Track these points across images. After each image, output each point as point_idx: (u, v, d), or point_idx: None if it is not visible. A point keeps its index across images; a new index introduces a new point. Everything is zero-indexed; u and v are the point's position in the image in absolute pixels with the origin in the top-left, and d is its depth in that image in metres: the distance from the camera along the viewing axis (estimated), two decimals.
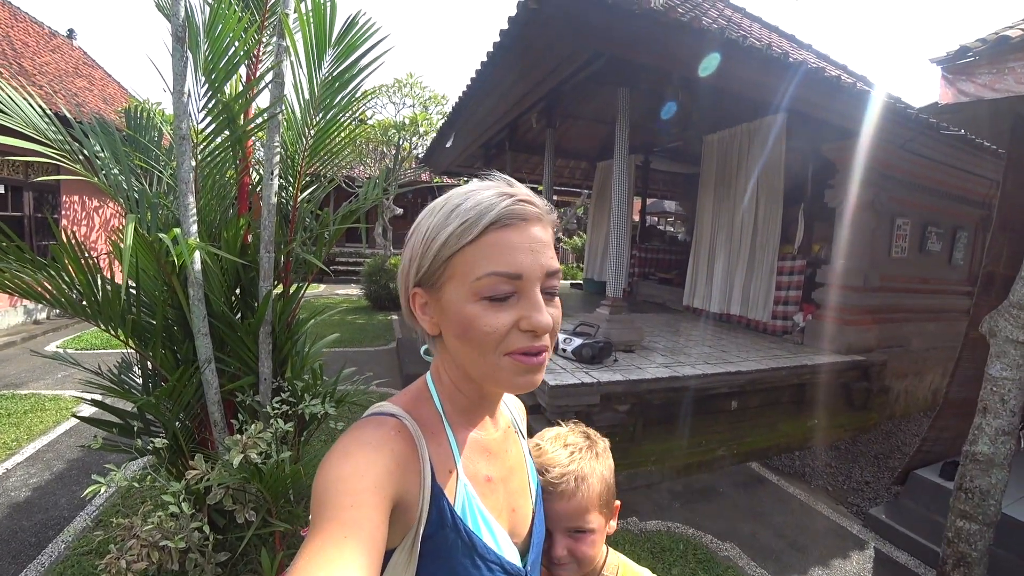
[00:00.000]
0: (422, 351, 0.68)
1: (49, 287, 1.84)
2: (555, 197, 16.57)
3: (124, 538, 1.75)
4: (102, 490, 1.58)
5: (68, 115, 2.28)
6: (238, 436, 1.82)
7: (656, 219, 18.72)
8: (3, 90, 1.74)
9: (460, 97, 5.60)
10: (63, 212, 8.31)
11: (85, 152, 1.84)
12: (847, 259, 4.99)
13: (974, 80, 2.71)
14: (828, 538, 3.07)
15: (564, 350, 3.82)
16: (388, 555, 0.54)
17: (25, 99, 1.81)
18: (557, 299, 0.60)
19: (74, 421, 4.00)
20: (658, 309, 7.61)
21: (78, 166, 1.80)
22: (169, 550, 1.77)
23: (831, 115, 4.42)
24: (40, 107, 1.86)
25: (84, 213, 8.87)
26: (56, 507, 2.83)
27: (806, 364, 4.31)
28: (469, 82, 5.08)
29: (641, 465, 3.38)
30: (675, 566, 2.61)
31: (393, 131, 10.87)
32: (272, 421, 1.97)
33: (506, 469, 0.70)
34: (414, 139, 11.14)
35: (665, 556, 2.70)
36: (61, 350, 6.10)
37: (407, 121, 11.00)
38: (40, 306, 7.77)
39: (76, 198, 8.62)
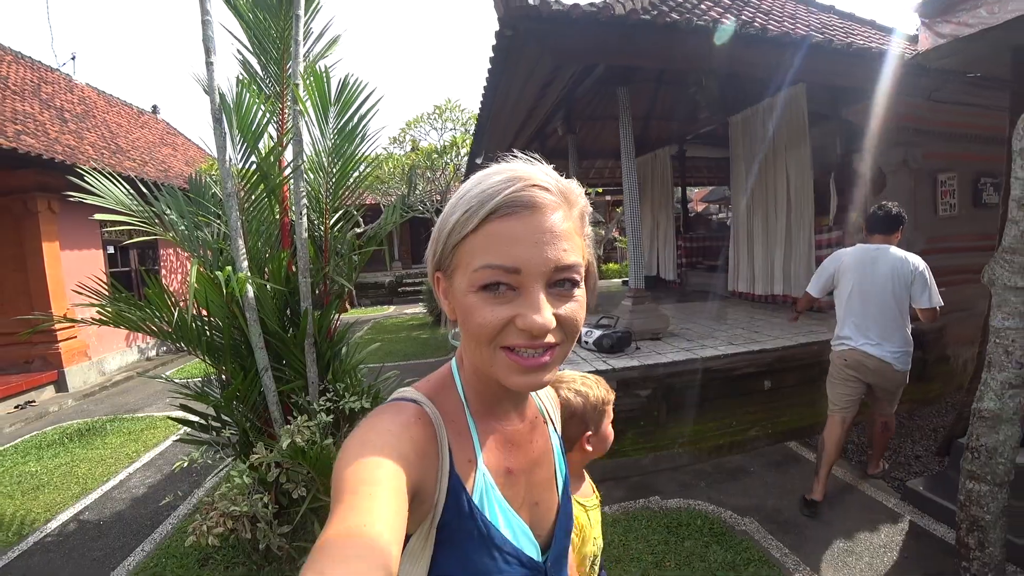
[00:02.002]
0: (450, 336, 0.79)
1: (149, 323, 2.40)
2: (608, 198, 16.65)
3: (207, 511, 2.25)
4: (186, 464, 2.06)
5: (152, 182, 2.88)
6: (288, 426, 2.27)
7: (718, 206, 18.25)
8: (99, 180, 2.30)
9: (477, 117, 6.01)
10: (162, 264, 9.59)
11: (158, 214, 2.39)
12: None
13: (950, 21, 2.68)
14: (859, 511, 2.98)
15: (586, 342, 4.06)
16: (406, 540, 0.54)
17: (113, 182, 2.38)
18: (577, 293, 0.55)
19: (179, 435, 4.76)
20: (706, 297, 7.57)
21: (156, 227, 2.34)
22: (242, 520, 2.25)
23: (847, 80, 4.38)
24: (125, 187, 2.43)
25: (179, 263, 10.15)
26: (164, 499, 3.47)
27: None
28: (480, 102, 5.47)
29: (667, 448, 3.52)
30: (688, 539, 2.72)
31: (435, 155, 11.54)
32: (318, 415, 2.40)
33: (529, 461, 0.68)
34: (457, 160, 11.75)
35: (680, 530, 2.81)
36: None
37: (446, 145, 11.66)
38: (150, 344, 9.00)
39: (172, 251, 9.90)
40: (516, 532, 0.61)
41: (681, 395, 3.83)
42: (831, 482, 3.30)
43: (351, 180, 2.85)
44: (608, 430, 1.26)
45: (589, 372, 3.58)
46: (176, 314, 2.39)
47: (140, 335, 8.60)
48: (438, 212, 12.73)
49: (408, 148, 13.27)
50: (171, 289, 3.76)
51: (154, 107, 14.71)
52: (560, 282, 0.53)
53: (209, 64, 2.36)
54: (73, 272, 7.13)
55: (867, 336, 2.92)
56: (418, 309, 11.55)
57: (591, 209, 0.60)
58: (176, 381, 2.72)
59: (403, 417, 0.56)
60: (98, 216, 2.06)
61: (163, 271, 9.51)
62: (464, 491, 0.57)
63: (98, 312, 2.27)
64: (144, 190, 2.61)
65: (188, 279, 2.29)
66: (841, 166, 5.48)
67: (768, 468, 3.59)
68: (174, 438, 4.72)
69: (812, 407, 4.20)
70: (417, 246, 17.30)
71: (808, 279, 5.57)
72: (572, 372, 1.32)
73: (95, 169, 2.34)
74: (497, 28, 3.26)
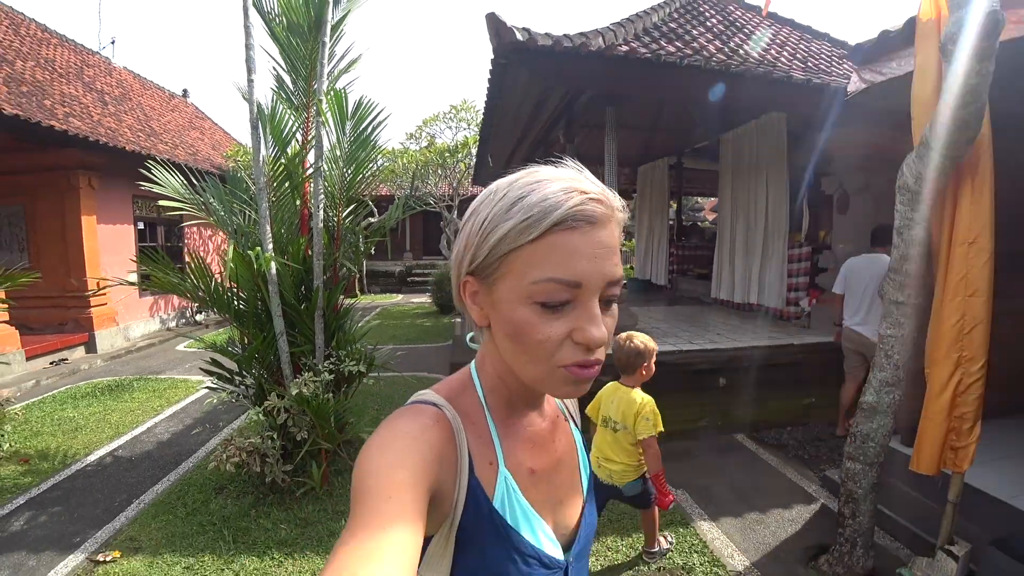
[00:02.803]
0: (467, 339, 0.67)
1: (186, 289, 2.95)
2: None
3: (227, 445, 2.80)
4: (215, 402, 2.61)
5: (185, 165, 3.44)
6: (297, 379, 2.81)
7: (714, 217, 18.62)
8: (162, 171, 2.85)
9: (480, 127, 6.52)
10: (186, 241, 10.24)
11: (203, 201, 2.94)
12: (845, 244, 5.29)
13: (870, 68, 3.11)
14: (779, 494, 3.43)
15: None
16: (428, 540, 0.55)
17: (168, 175, 2.93)
18: (615, 307, 0.56)
19: (199, 393, 5.35)
20: (693, 303, 8.03)
21: (200, 211, 2.89)
22: (254, 454, 2.79)
23: (809, 110, 4.80)
24: (180, 178, 2.98)
25: (201, 241, 10.80)
26: (186, 444, 4.08)
27: (792, 343, 4.71)
28: (483, 115, 5.98)
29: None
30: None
31: (447, 154, 12.11)
32: (322, 374, 2.94)
33: (553, 461, 0.68)
34: (468, 160, 12.32)
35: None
36: (186, 348, 7.75)
37: (459, 144, 12.23)
38: (171, 316, 9.65)
39: (195, 230, 10.55)
40: (538, 534, 0.61)
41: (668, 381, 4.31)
42: (764, 469, 3.80)
43: (361, 180, 3.37)
44: (652, 366, 2.38)
45: None
46: (212, 284, 2.94)
47: (161, 307, 9.27)
48: (448, 208, 13.37)
49: (424, 144, 13.82)
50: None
51: (184, 91, 15.39)
52: (607, 299, 0.53)
53: (250, 81, 2.90)
54: (107, 244, 7.77)
55: (855, 318, 3.96)
56: (424, 298, 12.12)
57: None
58: (206, 342, 3.28)
59: (421, 420, 0.55)
60: (162, 203, 2.61)
61: (186, 248, 10.16)
62: (483, 494, 0.57)
63: (153, 277, 2.82)
64: (182, 176, 3.18)
65: (212, 255, 2.81)
66: (812, 187, 5.91)
67: (711, 454, 4.07)
68: (193, 397, 5.31)
69: (762, 405, 4.66)
70: (428, 239, 17.88)
71: (781, 290, 6.07)
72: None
73: (161, 162, 2.90)
74: (492, 57, 3.77)
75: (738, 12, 7.01)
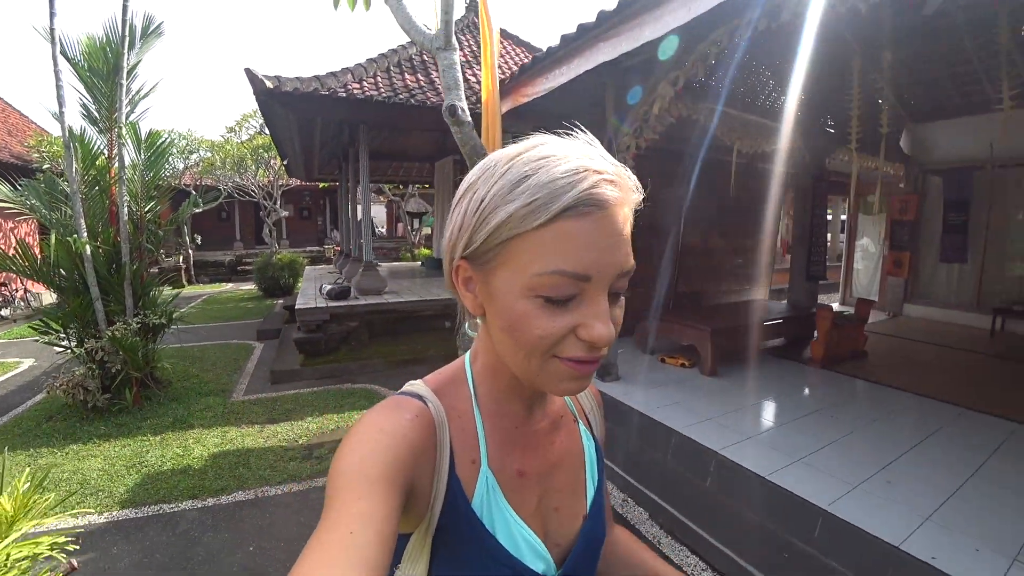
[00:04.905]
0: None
1: (16, 266, 4.00)
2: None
3: (56, 379, 3.96)
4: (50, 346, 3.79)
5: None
6: (111, 327, 4.05)
7: None
8: None
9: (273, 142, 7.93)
10: None
11: (29, 203, 3.99)
12: None
13: (515, 91, 5.18)
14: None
15: (322, 293, 6.22)
16: (408, 539, 0.54)
17: None
18: (623, 300, 0.50)
19: (20, 369, 5.93)
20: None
21: (23, 208, 3.94)
22: (78, 386, 3.99)
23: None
24: (7, 183, 3.99)
25: (2, 233, 10.30)
26: (13, 401, 4.84)
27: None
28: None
29: (369, 359, 5.67)
30: (354, 399, 4.80)
31: (262, 149, 12.94)
32: (129, 324, 4.20)
33: (548, 464, 0.61)
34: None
35: (352, 397, 4.84)
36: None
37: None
38: None
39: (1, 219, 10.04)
40: (518, 542, 0.55)
41: (381, 327, 6.12)
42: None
43: (156, 184, 4.61)
44: None
45: (311, 307, 5.75)
46: (38, 263, 4.02)
47: None
48: (268, 196, 14.09)
49: (244, 137, 14.33)
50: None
51: None
52: (618, 288, 0.48)
53: (62, 112, 4.00)
54: None
55: None
56: (251, 285, 12.76)
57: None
58: (34, 308, 4.28)
59: (399, 415, 0.52)
60: (2, 205, 3.64)
61: None
62: (462, 493, 0.54)
63: None
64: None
65: (13, 244, 3.88)
66: None
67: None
68: (13, 372, 5.89)
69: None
70: (259, 228, 18.09)
71: None
72: None
73: None
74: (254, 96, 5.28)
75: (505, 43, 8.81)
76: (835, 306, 7.09)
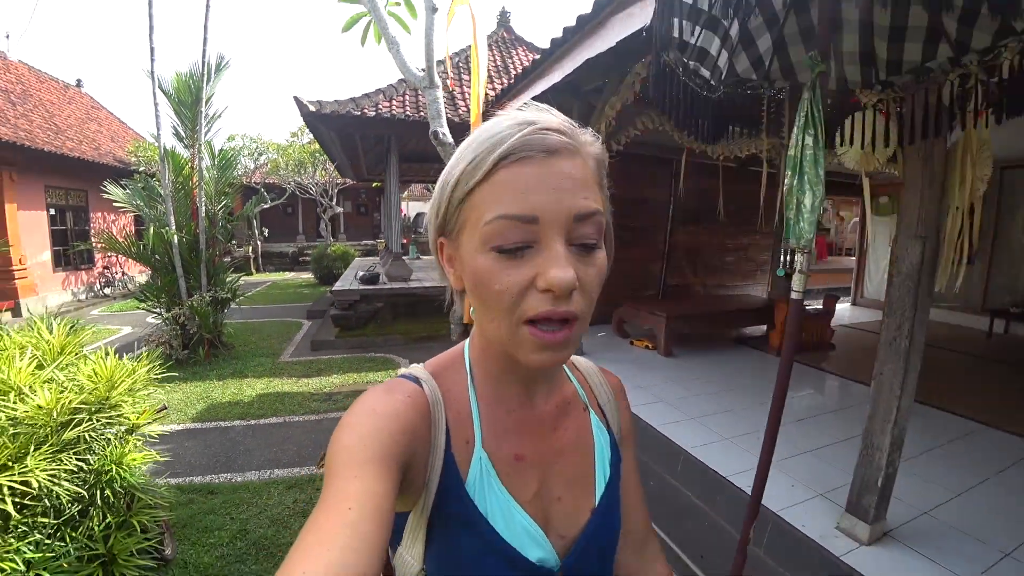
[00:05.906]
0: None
1: (128, 250, 5.33)
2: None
3: (151, 337, 5.24)
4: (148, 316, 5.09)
5: (92, 161, 5.73)
6: (190, 300, 5.30)
7: None
8: (114, 187, 5.18)
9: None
10: (91, 225, 11.77)
11: (136, 203, 5.31)
12: None
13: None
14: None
15: (355, 278, 7.32)
16: (406, 517, 0.55)
17: (115, 187, 5.26)
18: (599, 254, 0.49)
19: (121, 334, 7.48)
20: None
21: (131, 207, 5.26)
22: (167, 342, 5.26)
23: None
24: (123, 187, 5.32)
25: (105, 224, 12.31)
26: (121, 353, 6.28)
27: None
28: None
29: (392, 335, 6.70)
30: (375, 365, 5.88)
31: (318, 153, 14.49)
32: (203, 296, 5.44)
33: (550, 450, 0.60)
34: None
35: (374, 362, 5.93)
36: (100, 313, 9.63)
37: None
38: (81, 288, 11.27)
39: (99, 215, 12.06)
40: (514, 528, 0.54)
41: (403, 308, 7.15)
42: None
43: (226, 187, 5.85)
44: None
45: (346, 289, 6.87)
46: (140, 248, 5.33)
47: (72, 282, 10.91)
48: (324, 194, 15.67)
49: (304, 140, 16.00)
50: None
51: (78, 81, 16.22)
52: (582, 242, 0.47)
53: (159, 134, 5.28)
54: (26, 227, 9.43)
55: None
56: (309, 275, 14.35)
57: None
58: (130, 289, 5.64)
59: (393, 395, 0.52)
60: (117, 206, 4.98)
61: (92, 229, 11.71)
62: (457, 473, 0.54)
63: (106, 243, 5.17)
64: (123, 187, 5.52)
65: (122, 231, 5.15)
66: None
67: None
68: (115, 336, 7.45)
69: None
70: (318, 223, 19.93)
71: None
72: None
73: (72, 159, 5.20)
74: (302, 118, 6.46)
75: (523, 54, 9.69)
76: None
